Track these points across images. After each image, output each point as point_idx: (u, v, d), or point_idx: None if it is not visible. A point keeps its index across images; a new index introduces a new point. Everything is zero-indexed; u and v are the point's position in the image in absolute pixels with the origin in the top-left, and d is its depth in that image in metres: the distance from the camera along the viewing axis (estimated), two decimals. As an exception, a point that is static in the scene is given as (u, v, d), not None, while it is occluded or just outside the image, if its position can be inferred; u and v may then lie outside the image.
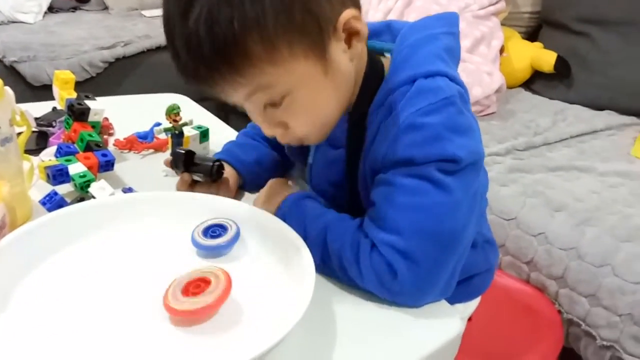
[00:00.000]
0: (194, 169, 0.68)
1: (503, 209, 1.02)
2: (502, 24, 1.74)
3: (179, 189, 0.68)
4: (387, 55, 0.58)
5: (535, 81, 1.70)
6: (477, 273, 0.68)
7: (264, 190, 0.65)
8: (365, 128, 0.55)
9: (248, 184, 0.72)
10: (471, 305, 0.72)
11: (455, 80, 0.52)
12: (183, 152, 0.68)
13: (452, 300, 0.62)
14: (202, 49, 0.45)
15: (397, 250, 0.49)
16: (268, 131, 0.54)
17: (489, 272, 0.71)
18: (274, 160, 0.75)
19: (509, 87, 1.66)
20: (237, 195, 0.72)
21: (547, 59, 1.60)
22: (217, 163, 0.67)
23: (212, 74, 0.47)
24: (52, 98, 0.90)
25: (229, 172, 0.70)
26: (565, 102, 1.57)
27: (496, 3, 1.56)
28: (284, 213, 0.58)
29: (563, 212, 0.97)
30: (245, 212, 0.57)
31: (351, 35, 0.50)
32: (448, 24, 0.57)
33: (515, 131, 1.32)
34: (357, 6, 0.51)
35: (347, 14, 0.48)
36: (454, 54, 0.55)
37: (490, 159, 1.15)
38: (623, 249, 0.88)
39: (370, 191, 0.54)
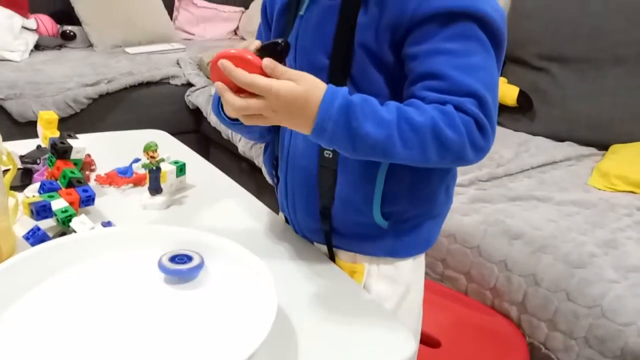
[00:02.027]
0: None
1: (466, 238, 1.08)
2: (470, 61, 1.84)
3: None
4: None
5: (501, 114, 1.77)
6: (431, 215, 0.67)
7: (277, 103, 0.51)
8: None
9: None
10: (420, 262, 0.72)
11: None
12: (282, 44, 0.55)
13: (403, 253, 0.68)
14: None
15: (478, 106, 0.52)
16: None
17: (440, 219, 0.70)
18: None
19: (477, 121, 1.74)
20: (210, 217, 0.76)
21: (510, 93, 1.69)
22: (281, 46, 0.54)
23: None
24: (37, 134, 0.95)
25: None
26: (529, 134, 1.66)
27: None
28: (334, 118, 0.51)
29: (521, 240, 1.04)
30: (211, 240, 0.61)
31: None
32: None
33: (479, 163, 1.38)
34: None
35: None
36: None
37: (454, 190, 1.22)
38: (576, 275, 0.94)
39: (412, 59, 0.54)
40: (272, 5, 0.71)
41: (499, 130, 1.71)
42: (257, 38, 0.76)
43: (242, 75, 0.50)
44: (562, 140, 1.60)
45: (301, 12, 0.63)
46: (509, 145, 1.53)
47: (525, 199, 1.20)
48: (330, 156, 0.63)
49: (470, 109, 0.51)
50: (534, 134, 1.65)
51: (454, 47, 0.52)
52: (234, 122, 0.67)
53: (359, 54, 0.58)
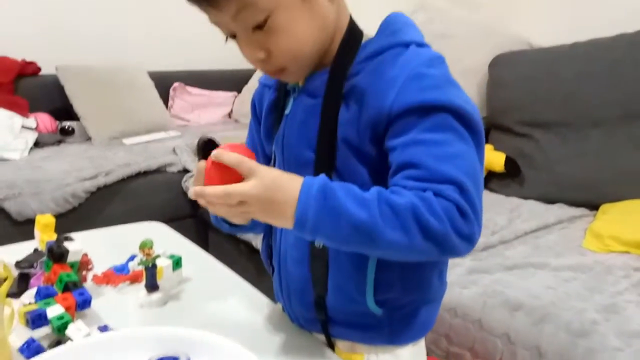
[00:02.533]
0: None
1: (466, 311, 1.08)
2: (456, 131, 1.90)
3: (194, 182, 0.61)
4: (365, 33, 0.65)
5: (492, 180, 1.82)
6: (427, 301, 0.68)
7: (255, 194, 0.53)
8: (344, 79, 0.60)
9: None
10: (420, 347, 0.71)
11: None
12: (205, 140, 0.67)
13: (401, 340, 0.67)
14: None
15: (458, 192, 0.52)
16: (252, 56, 0.60)
17: (437, 303, 0.71)
18: None
19: (468, 189, 1.78)
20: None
21: (497, 160, 1.73)
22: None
23: None
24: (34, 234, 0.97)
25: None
26: (520, 198, 1.68)
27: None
28: (315, 208, 0.53)
29: (522, 311, 1.03)
30: (202, 338, 0.61)
31: None
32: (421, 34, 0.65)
33: (474, 232, 1.40)
34: None
35: None
36: None
37: (450, 262, 1.21)
38: (580, 345, 0.93)
39: (391, 152, 0.57)
40: (260, 103, 0.76)
41: (491, 197, 1.75)
42: (249, 133, 0.80)
43: (214, 192, 0.54)
44: (552, 203, 1.62)
45: (287, 111, 0.67)
46: (501, 211, 1.55)
47: (522, 266, 1.20)
48: (321, 246, 0.64)
49: (450, 195, 0.52)
50: (525, 198, 1.68)
51: (432, 137, 0.54)
52: (234, 226, 0.70)
53: (342, 148, 0.61)
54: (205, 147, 0.70)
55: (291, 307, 0.73)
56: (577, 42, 1.73)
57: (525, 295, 1.07)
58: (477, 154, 0.57)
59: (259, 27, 0.57)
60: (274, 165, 0.72)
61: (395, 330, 0.67)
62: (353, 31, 0.63)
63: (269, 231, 0.77)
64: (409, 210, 0.52)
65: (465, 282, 1.14)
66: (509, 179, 1.76)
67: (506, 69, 1.92)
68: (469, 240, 0.53)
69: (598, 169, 1.58)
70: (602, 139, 1.60)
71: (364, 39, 0.63)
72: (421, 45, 0.60)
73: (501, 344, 1.01)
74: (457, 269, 1.20)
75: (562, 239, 1.36)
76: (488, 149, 1.84)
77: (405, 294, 0.65)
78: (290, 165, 0.66)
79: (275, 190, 0.53)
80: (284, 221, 0.54)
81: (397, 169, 0.56)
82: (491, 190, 1.81)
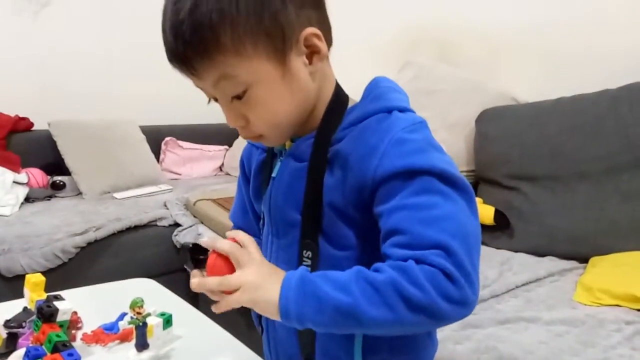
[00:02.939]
0: (203, 264, 0.64)
1: (460, 367, 1.07)
2: (445, 184, 1.92)
3: (194, 289, 0.62)
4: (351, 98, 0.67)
5: (481, 233, 1.83)
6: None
7: (247, 281, 0.57)
8: (329, 144, 0.61)
9: None
10: None
11: None
12: (189, 246, 0.68)
13: None
14: (184, 31, 0.55)
15: (444, 257, 0.50)
16: (232, 122, 0.62)
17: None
18: None
19: (458, 241, 1.79)
20: None
21: (486, 213, 1.75)
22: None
23: (188, 55, 0.57)
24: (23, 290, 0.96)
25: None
26: (510, 251, 1.69)
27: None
28: (294, 299, 0.54)
29: (515, 366, 1.02)
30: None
31: (313, 52, 0.60)
32: (407, 97, 0.66)
33: (465, 286, 1.40)
34: (326, 30, 0.61)
35: (309, 30, 0.58)
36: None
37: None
38: (574, 400, 0.92)
39: (379, 218, 0.57)
40: (249, 162, 0.78)
41: (482, 250, 1.73)
42: (238, 190, 0.82)
43: (212, 283, 0.58)
44: (543, 255, 1.63)
45: (274, 174, 0.69)
46: (492, 265, 1.56)
47: (514, 321, 1.19)
48: None
49: (434, 260, 0.50)
50: (515, 251, 1.69)
51: (417, 201, 0.54)
52: None
53: (328, 212, 0.62)
54: (193, 252, 0.71)
55: None
56: (562, 98, 1.79)
57: (519, 351, 1.06)
58: (469, 209, 0.56)
59: (238, 97, 0.59)
60: (263, 225, 0.73)
61: None
62: (338, 97, 0.65)
63: None
64: (389, 285, 0.51)
65: (458, 337, 1.14)
66: (498, 231, 1.78)
67: (493, 123, 1.97)
68: (461, 304, 0.51)
69: (586, 221, 1.60)
70: (589, 192, 1.62)
71: (350, 104, 0.65)
72: (403, 110, 0.61)
73: (497, 401, 1.00)
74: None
75: (553, 292, 1.36)
76: (477, 202, 1.86)
77: (393, 356, 0.64)
78: (278, 226, 0.68)
79: (259, 289, 0.56)
80: (272, 315, 0.56)
81: (385, 236, 0.56)
82: (481, 243, 1.82)
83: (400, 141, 0.57)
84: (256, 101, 0.59)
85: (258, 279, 0.56)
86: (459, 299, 0.50)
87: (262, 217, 0.73)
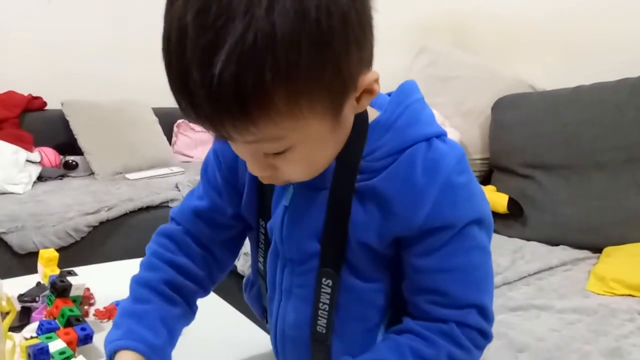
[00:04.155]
0: None
1: (470, 353, 1.06)
2: (458, 171, 1.91)
3: None
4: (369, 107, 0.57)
5: (494, 221, 1.80)
6: None
7: None
8: (356, 172, 0.54)
9: None
10: None
11: None
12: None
13: None
14: (223, 95, 0.41)
15: (479, 315, 0.54)
16: (257, 173, 0.52)
17: None
18: (183, 317, 0.68)
19: (470, 229, 1.78)
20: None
21: (500, 201, 1.74)
22: None
23: (222, 119, 0.43)
24: (36, 266, 0.96)
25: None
26: (522, 240, 1.68)
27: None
28: None
29: (526, 353, 1.01)
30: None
31: (363, 92, 0.49)
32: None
33: (477, 273, 1.40)
34: (372, 64, 0.50)
35: (372, 76, 0.48)
36: None
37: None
38: (585, 388, 0.92)
39: (412, 269, 0.55)
40: (232, 167, 0.65)
41: (494, 238, 1.70)
42: (204, 188, 0.69)
43: None
44: (555, 245, 1.62)
45: (286, 203, 0.60)
46: (504, 252, 1.55)
47: (526, 308, 1.19)
48: (324, 332, 0.60)
49: (472, 321, 0.54)
50: (528, 240, 1.68)
51: (459, 263, 0.54)
52: None
53: (356, 247, 0.56)
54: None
55: None
56: (581, 86, 1.76)
57: (529, 337, 1.05)
58: (489, 247, 0.58)
59: (275, 154, 0.49)
60: (265, 248, 0.66)
61: None
62: (360, 115, 0.55)
63: (257, 283, 0.74)
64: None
65: (469, 323, 1.13)
66: (511, 220, 1.76)
67: (509, 111, 1.94)
68: (484, 348, 0.57)
69: (601, 211, 1.58)
70: (605, 182, 1.60)
71: (371, 116, 0.56)
72: (440, 135, 0.55)
73: (506, 388, 0.99)
74: (460, 309, 1.19)
75: (565, 281, 1.35)
76: (490, 190, 1.85)
77: None
78: (293, 253, 0.61)
79: None
80: None
81: (422, 291, 0.56)
82: (494, 231, 1.80)
83: (453, 187, 0.52)
84: (298, 158, 0.49)
85: None
86: (484, 346, 0.56)
87: (265, 238, 0.66)
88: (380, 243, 0.55)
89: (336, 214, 0.56)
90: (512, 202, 1.73)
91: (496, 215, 1.80)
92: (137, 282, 0.66)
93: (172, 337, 0.64)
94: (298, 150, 0.48)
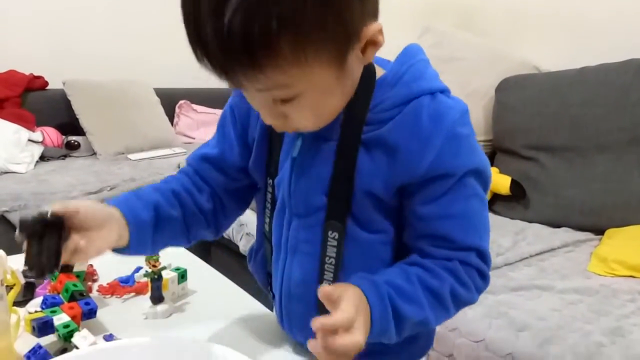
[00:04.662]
0: (32, 246, 0.54)
1: (471, 331, 1.07)
2: (461, 153, 1.91)
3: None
4: (376, 66, 0.60)
5: (496, 203, 1.82)
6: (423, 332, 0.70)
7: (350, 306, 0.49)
8: (363, 123, 0.56)
9: (133, 246, 0.62)
10: None
11: None
12: (42, 220, 0.54)
13: None
14: (233, 43, 0.44)
15: (479, 257, 0.58)
16: (268, 121, 0.55)
17: (432, 331, 0.75)
18: (175, 224, 0.67)
19: (472, 210, 1.78)
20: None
21: (502, 182, 1.74)
22: (34, 274, 0.53)
23: (234, 67, 0.47)
24: (40, 246, 0.97)
25: (114, 224, 0.59)
26: (525, 222, 1.68)
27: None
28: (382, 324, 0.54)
29: (527, 332, 1.02)
30: (205, 348, 0.60)
31: (368, 44, 0.51)
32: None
33: (479, 253, 1.40)
34: (377, 16, 0.52)
35: (375, 27, 0.50)
36: None
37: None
38: (585, 366, 0.92)
39: (414, 213, 0.58)
40: (245, 118, 0.68)
41: (496, 219, 1.75)
42: (219, 138, 0.71)
43: (340, 320, 0.48)
44: (558, 227, 1.62)
45: (294, 155, 0.62)
46: (506, 234, 1.55)
47: (527, 288, 1.19)
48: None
49: (472, 261, 0.58)
50: (530, 221, 1.68)
51: (458, 209, 0.57)
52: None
53: (361, 197, 0.58)
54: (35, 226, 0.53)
55: (294, 337, 0.72)
56: (586, 67, 1.74)
57: (530, 317, 1.06)
58: (486, 198, 0.61)
59: (284, 101, 0.52)
60: (271, 207, 0.68)
61: (395, 353, 0.66)
62: (368, 71, 0.58)
63: (262, 249, 0.74)
64: (448, 293, 0.57)
65: (470, 302, 1.14)
66: (514, 202, 1.76)
67: (513, 92, 1.93)
68: (483, 291, 0.61)
69: (604, 193, 1.58)
70: (608, 164, 1.60)
71: (378, 73, 0.59)
72: (444, 91, 0.58)
73: (506, 365, 1.00)
74: (462, 289, 1.19)
75: (567, 262, 1.36)
76: (493, 172, 1.85)
77: None
78: (300, 207, 0.62)
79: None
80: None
81: (425, 236, 0.59)
82: (496, 212, 1.81)
83: (456, 138, 0.55)
84: (305, 105, 0.52)
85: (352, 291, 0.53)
86: (483, 288, 0.60)
87: (269, 197, 0.67)
88: (385, 191, 0.57)
89: (343, 165, 0.58)
90: (514, 184, 1.73)
91: (498, 197, 1.81)
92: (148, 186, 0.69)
93: (157, 226, 0.63)
94: (306, 98, 0.51)
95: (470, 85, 2.06)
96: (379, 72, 0.59)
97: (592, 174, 1.61)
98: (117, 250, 0.62)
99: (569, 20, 2.02)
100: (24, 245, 0.54)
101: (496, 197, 1.82)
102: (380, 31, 0.52)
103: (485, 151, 2.03)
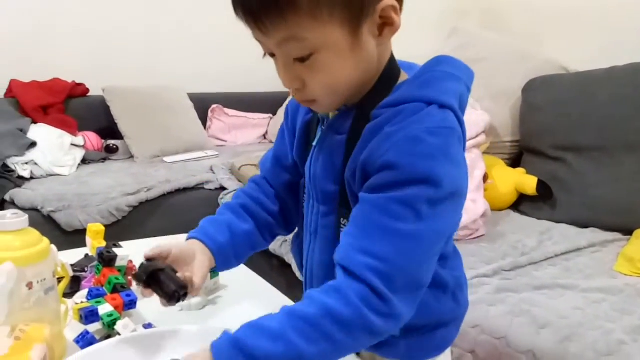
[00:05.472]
0: (155, 286, 0.65)
1: (493, 328, 1.09)
2: (487, 153, 1.92)
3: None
4: (404, 72, 0.64)
5: (523, 203, 1.83)
6: (443, 323, 0.69)
7: None
8: (368, 120, 0.60)
9: (220, 266, 0.73)
10: None
11: (461, 122, 0.59)
12: (148, 266, 0.65)
13: (417, 357, 0.69)
14: None
15: (377, 273, 0.52)
16: (288, 83, 0.60)
17: (455, 324, 0.72)
18: (250, 235, 0.76)
19: (498, 210, 1.79)
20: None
21: (529, 183, 1.74)
22: (182, 292, 0.63)
23: (260, 10, 0.54)
24: (83, 242, 1.04)
25: (202, 253, 0.70)
26: (551, 222, 1.68)
27: (476, 137, 1.75)
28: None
29: (548, 329, 1.04)
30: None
31: (385, 24, 0.57)
32: (469, 78, 0.64)
33: (502, 252, 1.42)
34: (400, 2, 0.58)
35: (388, 2, 0.55)
36: (463, 104, 0.62)
37: (478, 281, 1.24)
38: (605, 363, 0.94)
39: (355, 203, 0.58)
40: (294, 116, 0.76)
41: (522, 220, 1.76)
42: (278, 138, 0.80)
43: None
44: (585, 227, 1.61)
45: (314, 143, 0.68)
46: (531, 234, 1.56)
47: (551, 287, 1.20)
48: None
49: (366, 276, 0.52)
50: (557, 222, 1.68)
51: (390, 209, 0.54)
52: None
53: (347, 187, 0.62)
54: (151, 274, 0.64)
55: None
56: (614, 67, 1.73)
57: (552, 315, 1.07)
58: (436, 226, 0.55)
59: (301, 59, 0.57)
60: (304, 193, 0.73)
61: (412, 348, 0.68)
62: (391, 72, 0.62)
63: (301, 244, 0.79)
64: (322, 317, 0.52)
65: (492, 300, 1.16)
66: (540, 202, 1.76)
67: (540, 92, 1.93)
68: (391, 317, 0.54)
69: (632, 193, 1.57)
70: (636, 164, 1.59)
71: (402, 79, 0.63)
72: (445, 106, 0.58)
73: (527, 361, 1.02)
74: (484, 287, 1.21)
75: (593, 262, 1.36)
76: (520, 172, 1.85)
77: (419, 320, 0.63)
78: (318, 193, 0.68)
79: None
80: None
81: (349, 221, 0.58)
82: (522, 213, 1.82)
83: (416, 140, 0.55)
84: (320, 67, 0.57)
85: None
86: (387, 313, 0.53)
87: (304, 183, 0.75)
88: (352, 178, 0.61)
89: (349, 156, 0.61)
90: (541, 184, 1.73)
91: (527, 197, 1.81)
92: (222, 205, 0.80)
93: (234, 243, 0.74)
94: (320, 58, 0.56)
95: (497, 86, 2.06)
96: (404, 76, 0.63)
97: (620, 174, 1.60)
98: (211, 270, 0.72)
99: (597, 19, 2.01)
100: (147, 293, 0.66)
101: (523, 198, 1.82)
102: (395, 9, 0.56)
103: (512, 152, 2.04)
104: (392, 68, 0.63)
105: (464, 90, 0.62)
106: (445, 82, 0.60)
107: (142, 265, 0.66)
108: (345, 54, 0.57)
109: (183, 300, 0.64)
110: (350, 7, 0.54)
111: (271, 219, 0.78)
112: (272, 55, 0.60)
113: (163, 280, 0.64)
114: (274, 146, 0.81)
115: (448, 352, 0.75)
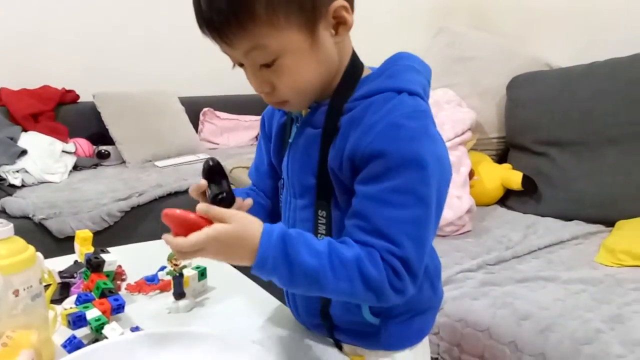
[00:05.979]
0: (212, 184, 0.68)
1: (476, 321, 1.12)
2: (474, 150, 1.95)
3: (190, 192, 0.73)
4: (366, 67, 0.70)
5: (509, 198, 1.86)
6: (420, 311, 0.73)
7: (206, 241, 0.56)
8: (342, 113, 0.64)
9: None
10: (419, 350, 0.76)
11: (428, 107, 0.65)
12: (211, 164, 0.67)
13: (397, 346, 0.72)
14: (220, 3, 0.57)
15: (396, 256, 0.58)
16: (258, 88, 0.64)
17: (432, 312, 0.77)
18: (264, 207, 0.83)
19: (485, 205, 1.82)
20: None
21: (514, 178, 1.77)
22: (222, 195, 0.66)
23: (222, 25, 0.58)
24: (74, 249, 1.06)
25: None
26: (537, 216, 1.71)
27: (462, 134, 1.77)
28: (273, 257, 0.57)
29: (529, 321, 1.06)
30: (223, 337, 0.67)
31: (339, 23, 0.62)
32: (427, 72, 0.70)
33: (487, 247, 1.45)
34: (350, 1, 0.63)
35: (338, 3, 0.60)
36: (426, 94, 0.67)
37: (462, 276, 1.27)
38: (583, 352, 0.96)
39: (354, 197, 0.62)
40: (270, 122, 0.81)
41: (508, 214, 1.79)
42: (257, 152, 0.86)
43: (181, 244, 0.57)
44: (569, 220, 1.64)
45: (290, 140, 0.72)
46: (517, 228, 1.59)
47: (533, 279, 1.23)
48: None
49: (387, 257, 0.58)
50: (542, 216, 1.71)
51: (392, 199, 0.58)
52: None
53: (333, 178, 0.66)
54: (211, 170, 0.68)
55: (299, 314, 0.80)
56: (595, 62, 1.77)
57: (533, 306, 1.10)
58: (435, 202, 0.60)
59: (267, 65, 0.61)
60: (283, 185, 0.77)
61: (391, 337, 0.72)
62: (354, 67, 0.67)
63: None
64: (355, 263, 0.58)
65: (476, 294, 1.19)
66: (526, 196, 1.79)
67: (524, 89, 1.96)
68: (402, 292, 0.60)
69: (614, 186, 1.60)
70: (618, 157, 1.62)
71: (365, 73, 0.68)
72: (413, 93, 0.63)
73: (509, 352, 1.05)
74: (469, 282, 1.24)
75: (575, 254, 1.39)
76: (506, 168, 1.88)
77: (398, 306, 0.69)
78: (295, 188, 0.72)
79: (238, 236, 0.57)
80: (243, 261, 0.58)
81: (353, 214, 0.62)
82: (508, 207, 1.85)
83: (397, 126, 0.59)
84: (284, 70, 0.61)
85: (240, 215, 0.58)
86: (400, 288, 0.59)
87: (282, 181, 0.78)
88: (341, 169, 0.64)
89: (325, 150, 0.66)
90: (526, 179, 1.76)
91: (511, 192, 1.84)
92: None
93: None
94: (284, 62, 0.61)
95: (483, 83, 2.09)
96: (367, 71, 0.68)
97: (601, 167, 1.63)
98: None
99: (580, 16, 2.04)
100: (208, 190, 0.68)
101: (509, 193, 1.85)
102: (346, 8, 0.61)
103: (499, 148, 2.07)
104: (354, 63, 0.68)
105: (425, 82, 0.67)
106: (410, 74, 0.66)
107: (212, 161, 0.68)
108: (306, 55, 0.61)
109: (223, 205, 0.62)
110: (304, 11, 0.59)
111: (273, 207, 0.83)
112: (241, 65, 0.65)
113: (219, 180, 0.67)
114: (254, 160, 0.86)
115: (426, 340, 0.78)
